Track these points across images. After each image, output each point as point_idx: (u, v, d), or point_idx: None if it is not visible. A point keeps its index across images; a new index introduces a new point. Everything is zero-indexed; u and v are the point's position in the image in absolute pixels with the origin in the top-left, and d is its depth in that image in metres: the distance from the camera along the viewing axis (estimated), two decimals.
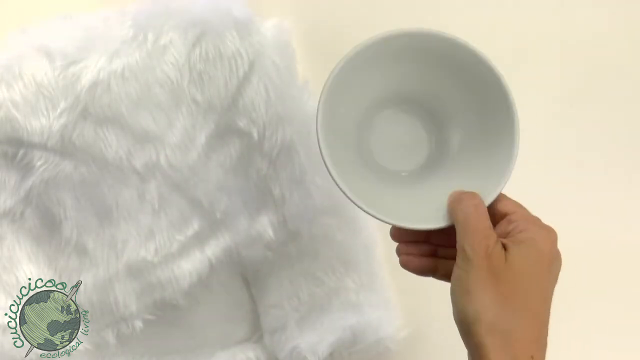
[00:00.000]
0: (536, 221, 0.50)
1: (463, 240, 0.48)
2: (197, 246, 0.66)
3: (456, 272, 0.48)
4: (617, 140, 0.76)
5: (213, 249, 0.66)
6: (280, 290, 0.69)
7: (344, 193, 0.53)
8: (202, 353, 0.70)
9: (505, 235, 0.50)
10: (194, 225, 0.65)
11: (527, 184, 0.63)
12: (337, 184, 0.53)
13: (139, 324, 0.66)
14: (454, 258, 0.49)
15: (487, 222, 0.49)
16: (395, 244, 0.65)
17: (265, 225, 0.66)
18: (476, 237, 0.48)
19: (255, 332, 0.72)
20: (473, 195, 0.51)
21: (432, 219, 0.53)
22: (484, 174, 0.55)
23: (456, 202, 0.51)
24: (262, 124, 0.64)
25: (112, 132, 0.62)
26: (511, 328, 0.46)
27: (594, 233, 0.75)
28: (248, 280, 0.70)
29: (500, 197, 0.52)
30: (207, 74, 0.63)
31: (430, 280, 0.70)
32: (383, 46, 0.55)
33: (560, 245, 0.68)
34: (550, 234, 0.50)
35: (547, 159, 0.74)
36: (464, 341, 0.48)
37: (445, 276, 0.52)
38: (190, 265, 0.65)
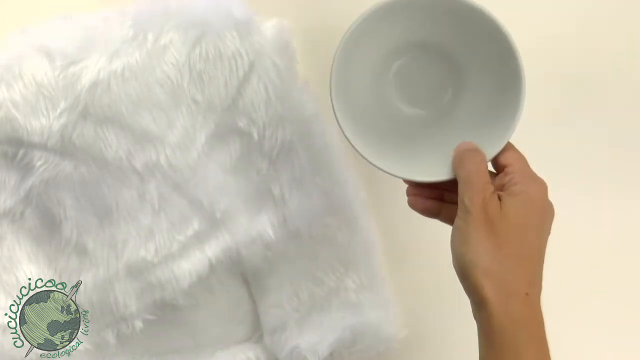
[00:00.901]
0: (530, 174, 0.55)
1: (463, 193, 0.52)
2: (197, 246, 0.66)
3: (456, 222, 0.52)
4: (618, 139, 0.76)
5: (213, 249, 0.66)
6: (280, 290, 0.69)
7: (352, 145, 0.58)
8: (202, 353, 0.70)
9: (502, 187, 0.54)
10: (194, 225, 0.65)
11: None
12: (345, 135, 0.58)
13: (139, 324, 0.66)
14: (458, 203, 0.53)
15: (486, 177, 0.53)
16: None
17: (265, 225, 0.66)
18: (474, 191, 0.52)
19: (255, 332, 0.72)
20: (476, 153, 0.55)
21: (438, 172, 0.58)
22: (490, 128, 0.60)
23: (459, 159, 0.56)
24: (262, 124, 0.64)
25: (112, 132, 0.62)
26: (506, 271, 0.50)
27: (594, 232, 0.75)
28: (248, 280, 0.70)
29: (506, 147, 0.56)
30: (207, 74, 0.63)
31: (430, 281, 0.70)
32: (401, 4, 0.59)
33: (560, 244, 0.68)
34: (541, 187, 0.54)
35: (547, 158, 0.74)
36: (462, 284, 0.52)
37: (449, 219, 0.56)
38: (190, 265, 0.65)
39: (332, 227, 0.68)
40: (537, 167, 0.71)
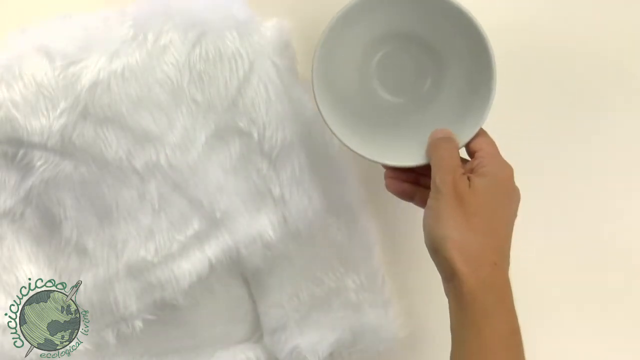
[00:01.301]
0: (498, 158, 0.58)
1: (435, 175, 0.56)
2: (197, 246, 0.65)
3: (429, 202, 0.56)
4: (618, 139, 0.76)
5: (213, 248, 0.66)
6: (280, 290, 0.69)
7: (331, 130, 0.61)
8: (202, 353, 0.70)
9: (471, 170, 0.57)
10: (194, 225, 0.65)
11: (528, 185, 0.64)
12: (325, 121, 0.61)
13: (139, 324, 0.66)
14: None
15: (457, 161, 0.57)
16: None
17: (265, 225, 0.66)
18: (445, 172, 0.56)
19: (255, 332, 0.72)
20: (448, 140, 0.59)
21: (413, 157, 0.62)
22: (464, 117, 0.63)
23: (433, 146, 0.59)
24: (262, 124, 0.64)
25: (112, 132, 0.62)
26: (475, 243, 0.53)
27: (596, 233, 0.75)
28: (248, 280, 0.70)
29: (478, 134, 0.60)
30: (207, 74, 0.63)
31: (430, 281, 0.70)
32: None
33: (558, 246, 0.69)
34: (508, 170, 0.58)
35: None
36: (433, 259, 0.55)
37: (423, 202, 0.59)
38: (190, 265, 0.65)
39: (332, 227, 0.68)
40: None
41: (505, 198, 0.57)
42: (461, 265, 0.52)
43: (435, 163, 0.57)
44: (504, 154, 0.61)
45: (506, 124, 0.69)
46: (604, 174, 0.75)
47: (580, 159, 0.75)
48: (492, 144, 0.60)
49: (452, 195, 0.54)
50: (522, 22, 0.74)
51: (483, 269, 0.52)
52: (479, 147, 0.59)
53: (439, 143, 0.59)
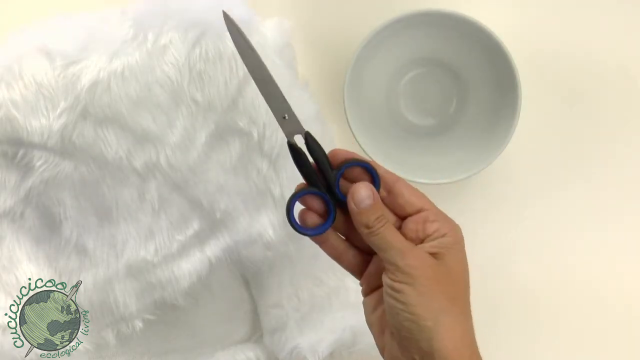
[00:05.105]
0: (448, 219, 0.49)
1: (396, 259, 0.46)
2: (197, 246, 0.65)
3: (399, 286, 0.46)
4: (618, 142, 0.76)
5: (213, 248, 0.66)
6: (280, 290, 0.69)
7: (362, 149, 0.64)
8: (202, 353, 0.70)
9: (425, 237, 0.48)
10: (194, 225, 0.65)
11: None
12: (357, 140, 0.65)
13: (139, 324, 0.66)
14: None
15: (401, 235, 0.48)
16: None
17: (265, 225, 0.66)
18: (408, 255, 0.46)
19: (255, 332, 0.72)
20: (381, 209, 0.48)
21: (442, 175, 0.64)
22: (489, 138, 0.66)
23: (370, 232, 0.47)
24: (262, 124, 0.64)
25: (112, 132, 0.62)
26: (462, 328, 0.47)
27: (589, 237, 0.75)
28: (248, 280, 0.70)
29: (407, 187, 0.49)
30: (207, 74, 0.63)
31: None
32: (410, 19, 0.65)
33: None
34: (457, 225, 0.49)
35: (545, 165, 0.74)
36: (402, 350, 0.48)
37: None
38: (190, 265, 0.65)
39: None
40: (542, 172, 0.71)
41: (465, 262, 0.49)
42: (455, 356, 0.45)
43: (384, 247, 0.47)
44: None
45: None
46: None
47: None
48: (429, 200, 0.50)
49: (429, 279, 0.46)
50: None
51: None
52: (421, 203, 0.49)
53: (378, 224, 0.47)
